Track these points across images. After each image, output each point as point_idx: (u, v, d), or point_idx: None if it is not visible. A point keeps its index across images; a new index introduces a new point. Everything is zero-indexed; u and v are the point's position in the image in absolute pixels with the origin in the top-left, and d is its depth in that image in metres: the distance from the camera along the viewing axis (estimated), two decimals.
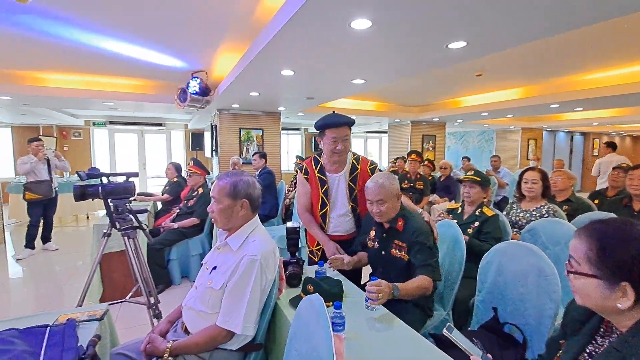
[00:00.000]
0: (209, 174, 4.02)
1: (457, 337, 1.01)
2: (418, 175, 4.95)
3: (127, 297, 1.99)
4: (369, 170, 1.99)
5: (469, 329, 1.73)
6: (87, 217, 7.16)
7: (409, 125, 8.02)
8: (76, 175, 7.15)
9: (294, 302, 1.45)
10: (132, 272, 2.04)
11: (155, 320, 2.03)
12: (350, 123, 1.89)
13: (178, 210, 3.77)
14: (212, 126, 6.35)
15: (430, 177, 5.28)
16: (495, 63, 3.98)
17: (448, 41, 2.28)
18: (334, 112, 1.95)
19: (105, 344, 1.34)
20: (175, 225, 3.53)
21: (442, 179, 5.27)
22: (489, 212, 2.31)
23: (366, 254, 1.87)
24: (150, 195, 4.64)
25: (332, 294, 1.45)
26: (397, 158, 6.41)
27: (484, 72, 4.40)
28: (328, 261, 1.74)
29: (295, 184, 5.64)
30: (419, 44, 2.34)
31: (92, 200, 1.88)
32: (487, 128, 11.04)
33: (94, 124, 10.05)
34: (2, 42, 3.11)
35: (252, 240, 1.34)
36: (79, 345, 1.06)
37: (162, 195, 4.51)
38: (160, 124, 10.87)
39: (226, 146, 6.00)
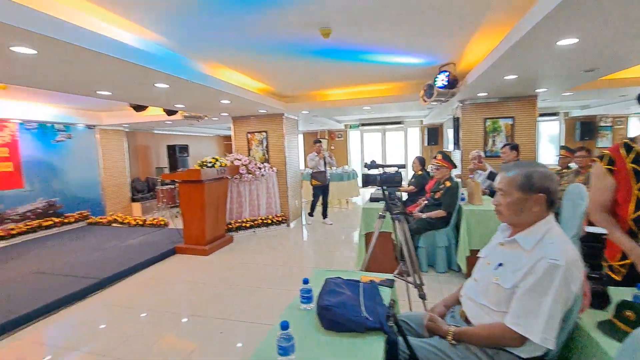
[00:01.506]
0: (455, 167, 3.95)
1: None
2: None
3: (394, 274, 2.29)
4: None
5: None
6: (347, 202, 8.92)
7: None
8: (338, 168, 9.12)
9: (605, 327, 1.16)
10: (401, 253, 2.33)
11: (420, 300, 2.23)
12: None
13: (426, 202, 3.95)
14: (454, 119, 6.19)
15: None
16: None
17: None
18: None
19: (396, 308, 1.59)
20: (424, 215, 3.72)
21: None
22: None
23: None
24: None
25: None
26: None
27: None
28: None
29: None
30: None
31: (372, 187, 2.30)
32: None
33: (350, 126, 12.34)
34: (308, 70, 4.36)
35: (550, 242, 1.17)
36: (384, 303, 1.32)
37: (408, 187, 4.88)
38: (399, 122, 11.79)
39: (468, 139, 5.68)
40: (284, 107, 6.03)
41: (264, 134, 6.51)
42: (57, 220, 6.05)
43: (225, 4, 2.35)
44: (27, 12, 1.92)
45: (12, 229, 5.33)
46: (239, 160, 5.83)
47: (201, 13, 2.48)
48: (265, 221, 5.88)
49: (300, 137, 12.21)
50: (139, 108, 5.04)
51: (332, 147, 12.58)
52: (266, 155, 6.50)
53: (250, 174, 5.78)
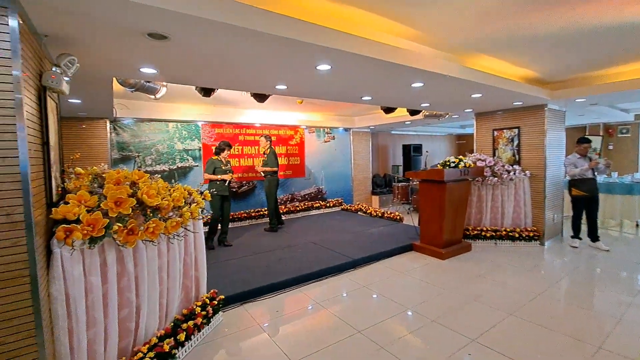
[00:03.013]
0: None
1: None
2: None
3: None
4: None
5: None
6: (637, 225, 6.23)
7: None
8: (626, 177, 6.41)
9: None
10: None
11: None
12: None
13: None
14: None
15: None
16: None
17: None
18: None
19: None
20: None
21: None
22: None
23: None
24: None
25: None
26: None
27: None
28: None
29: None
30: None
31: None
32: None
33: None
34: (603, 40, 3.21)
35: None
36: None
37: None
38: None
39: None
40: (548, 96, 4.85)
41: (515, 130, 5.53)
42: (322, 203, 7.76)
43: None
44: (328, 32, 2.37)
45: (297, 207, 7.30)
46: (482, 160, 5.25)
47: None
48: (510, 234, 5.00)
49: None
50: (388, 110, 5.51)
51: (610, 147, 9.19)
52: (516, 156, 5.50)
53: (495, 176, 5.07)
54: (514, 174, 5.09)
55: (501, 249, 4.90)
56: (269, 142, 5.85)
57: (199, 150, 6.23)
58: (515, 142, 5.48)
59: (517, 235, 4.98)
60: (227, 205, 4.97)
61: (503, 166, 5.15)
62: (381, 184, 9.44)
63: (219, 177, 4.81)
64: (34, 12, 1.64)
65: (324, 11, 2.44)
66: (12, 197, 1.43)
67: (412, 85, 3.65)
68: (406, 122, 7.48)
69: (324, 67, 2.86)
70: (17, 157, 1.44)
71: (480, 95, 4.33)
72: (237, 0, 1.92)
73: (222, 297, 3.06)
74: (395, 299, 3.34)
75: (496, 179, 5.06)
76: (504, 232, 5.02)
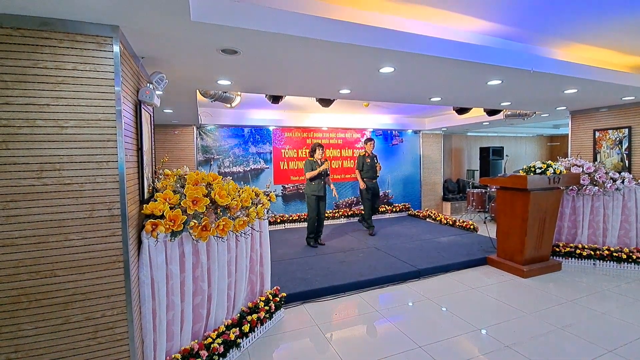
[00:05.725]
0: None
1: None
2: None
3: None
4: None
5: None
6: None
7: None
8: None
9: None
10: None
11: None
12: None
13: None
14: None
15: None
16: None
17: None
18: None
19: None
20: None
21: None
22: None
23: None
24: None
25: None
26: None
27: None
28: None
29: None
30: None
31: None
32: None
33: None
34: None
35: None
36: None
37: None
38: None
39: None
40: None
41: (625, 131, 4.64)
42: (388, 207, 7.56)
43: None
44: (391, 34, 2.30)
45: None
46: (578, 166, 4.52)
47: None
48: (615, 254, 4.20)
49: None
50: (461, 111, 5.12)
51: None
52: (625, 162, 4.61)
53: (596, 185, 4.32)
54: (622, 182, 4.27)
55: (602, 271, 4.15)
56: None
57: (270, 153, 6.61)
58: (625, 145, 4.60)
59: (624, 256, 4.15)
60: (323, 205, 5.05)
61: (607, 173, 4.36)
62: (453, 190, 8.79)
63: (318, 169, 4.83)
64: (133, 39, 1.95)
65: (388, 9, 2.38)
66: (112, 194, 1.72)
67: (488, 83, 3.34)
68: (484, 123, 6.85)
69: (387, 69, 2.80)
70: (117, 161, 1.72)
71: (576, 90, 3.75)
72: (293, 10, 2.00)
73: (284, 294, 3.19)
74: (463, 316, 3.07)
75: (597, 188, 4.30)
76: (606, 252, 4.23)
